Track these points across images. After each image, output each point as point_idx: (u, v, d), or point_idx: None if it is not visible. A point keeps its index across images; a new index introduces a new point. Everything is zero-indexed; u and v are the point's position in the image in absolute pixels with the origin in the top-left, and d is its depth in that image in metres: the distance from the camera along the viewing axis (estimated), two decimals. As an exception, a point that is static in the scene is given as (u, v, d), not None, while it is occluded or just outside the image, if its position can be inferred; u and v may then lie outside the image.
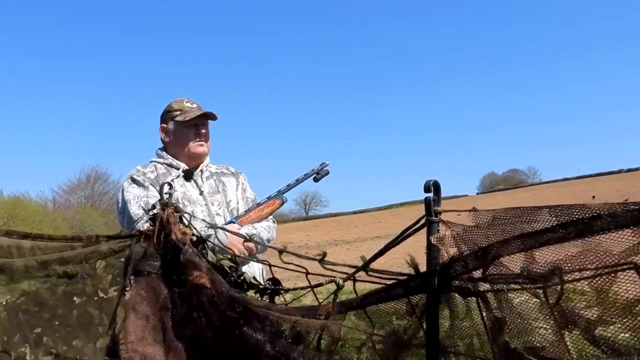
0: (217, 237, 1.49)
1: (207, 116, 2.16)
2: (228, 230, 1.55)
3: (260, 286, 1.36)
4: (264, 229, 2.08)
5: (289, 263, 1.30)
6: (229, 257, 1.38)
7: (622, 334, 0.76)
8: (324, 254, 1.24)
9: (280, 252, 1.29)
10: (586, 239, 0.74)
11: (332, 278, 1.22)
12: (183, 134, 2.14)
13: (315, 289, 1.29)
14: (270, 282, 1.40)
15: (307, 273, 1.30)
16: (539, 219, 0.80)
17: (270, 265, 1.46)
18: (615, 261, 0.70)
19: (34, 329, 1.25)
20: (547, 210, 0.77)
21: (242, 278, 1.33)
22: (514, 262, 0.86)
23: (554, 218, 0.76)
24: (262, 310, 1.14)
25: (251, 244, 1.60)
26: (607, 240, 0.73)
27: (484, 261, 0.90)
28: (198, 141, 2.13)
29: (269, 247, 1.43)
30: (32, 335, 1.24)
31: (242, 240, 1.69)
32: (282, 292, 1.39)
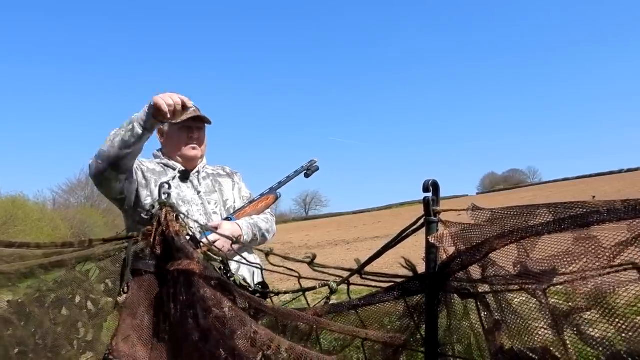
0: (206, 237, 1.47)
1: (199, 119, 2.13)
2: (215, 232, 1.54)
3: (250, 289, 1.34)
4: (262, 220, 2.09)
5: (280, 266, 1.27)
6: (220, 258, 1.36)
7: (622, 334, 0.75)
8: (314, 256, 1.20)
9: (267, 254, 1.26)
10: (580, 232, 0.73)
11: (326, 282, 1.19)
12: (176, 136, 2.13)
13: (308, 293, 1.25)
14: (260, 286, 1.38)
15: (300, 277, 1.27)
16: (538, 215, 0.78)
17: (262, 269, 1.43)
18: (609, 255, 0.69)
19: (16, 345, 1.19)
20: (546, 207, 0.76)
21: (232, 279, 1.31)
22: (510, 262, 0.85)
23: (552, 215, 0.75)
24: (255, 303, 1.11)
25: (237, 247, 1.58)
26: (600, 234, 0.72)
27: (479, 255, 0.89)
28: (190, 145, 2.12)
29: (257, 249, 1.41)
30: (14, 352, 1.18)
31: (229, 242, 1.70)
32: (272, 295, 1.36)
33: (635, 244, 0.66)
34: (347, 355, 1.16)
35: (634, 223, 0.66)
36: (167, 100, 1.80)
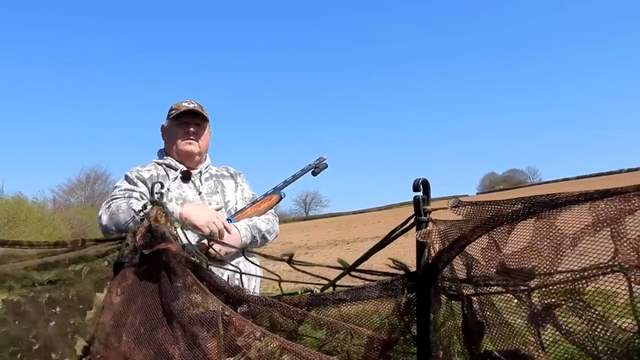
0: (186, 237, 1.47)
1: (192, 113, 2.13)
2: (216, 240, 1.52)
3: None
4: (262, 221, 2.07)
5: (261, 267, 1.24)
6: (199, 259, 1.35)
7: (618, 335, 0.74)
8: (291, 255, 1.17)
9: (243, 251, 1.24)
10: (541, 218, 0.73)
11: (309, 289, 1.16)
12: (173, 131, 2.15)
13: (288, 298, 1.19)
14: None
15: (280, 280, 1.23)
16: (514, 207, 0.78)
17: (240, 273, 1.40)
18: (569, 243, 0.69)
19: (9, 344, 1.18)
20: (522, 200, 0.76)
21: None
22: (489, 257, 0.84)
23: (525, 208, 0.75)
24: (234, 292, 1.09)
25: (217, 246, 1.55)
26: (561, 222, 0.72)
27: (456, 249, 0.88)
28: (186, 139, 2.13)
29: (232, 247, 1.38)
30: (7, 352, 1.18)
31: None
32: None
33: (599, 225, 0.66)
34: (343, 356, 1.14)
35: (597, 203, 0.66)
36: (211, 226, 1.76)
